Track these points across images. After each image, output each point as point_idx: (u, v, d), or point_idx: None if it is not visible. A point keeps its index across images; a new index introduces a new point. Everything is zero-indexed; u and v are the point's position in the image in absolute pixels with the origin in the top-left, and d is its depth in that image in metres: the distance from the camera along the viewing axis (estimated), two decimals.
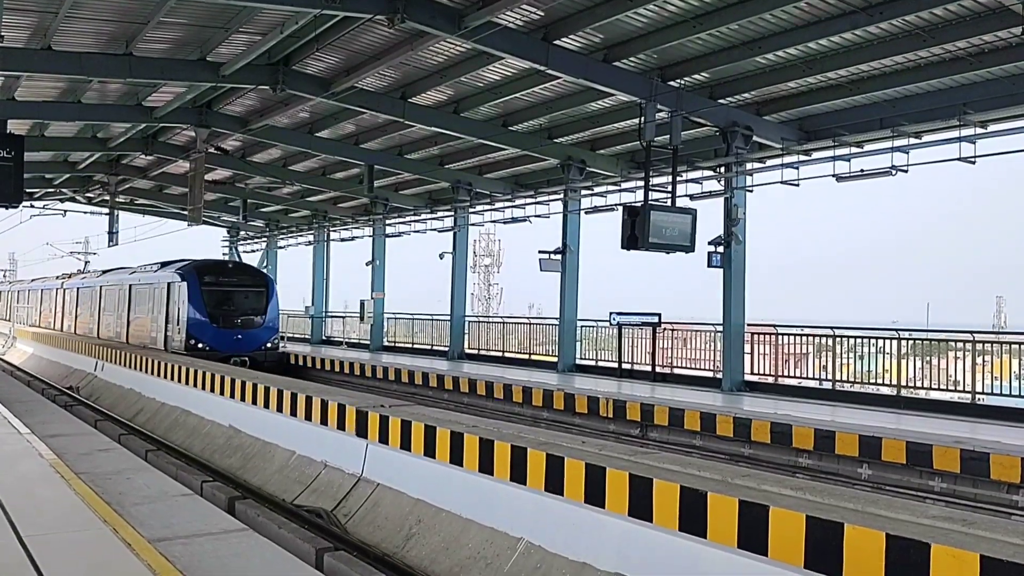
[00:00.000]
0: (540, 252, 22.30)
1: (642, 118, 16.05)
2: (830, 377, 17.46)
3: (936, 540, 5.34)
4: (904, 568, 5.40)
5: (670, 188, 17.01)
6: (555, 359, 22.50)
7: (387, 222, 30.19)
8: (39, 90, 19.58)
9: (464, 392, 19.33)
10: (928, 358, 16.73)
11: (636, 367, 21.12)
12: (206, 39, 16.10)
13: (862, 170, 16.17)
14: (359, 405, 11.60)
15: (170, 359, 19.83)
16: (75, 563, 5.28)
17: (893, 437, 11.25)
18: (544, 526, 7.97)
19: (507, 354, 25.41)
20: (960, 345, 15.84)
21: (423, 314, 30.88)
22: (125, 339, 28.62)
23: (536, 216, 24.46)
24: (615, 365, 21.38)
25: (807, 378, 18.27)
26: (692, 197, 18.59)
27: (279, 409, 13.52)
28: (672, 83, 16.19)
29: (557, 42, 14.74)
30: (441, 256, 27.06)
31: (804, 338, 18.86)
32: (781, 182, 17.65)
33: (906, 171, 15.63)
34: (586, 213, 22.40)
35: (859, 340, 17.85)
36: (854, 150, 16.46)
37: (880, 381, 17.29)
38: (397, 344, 30.62)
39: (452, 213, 26.82)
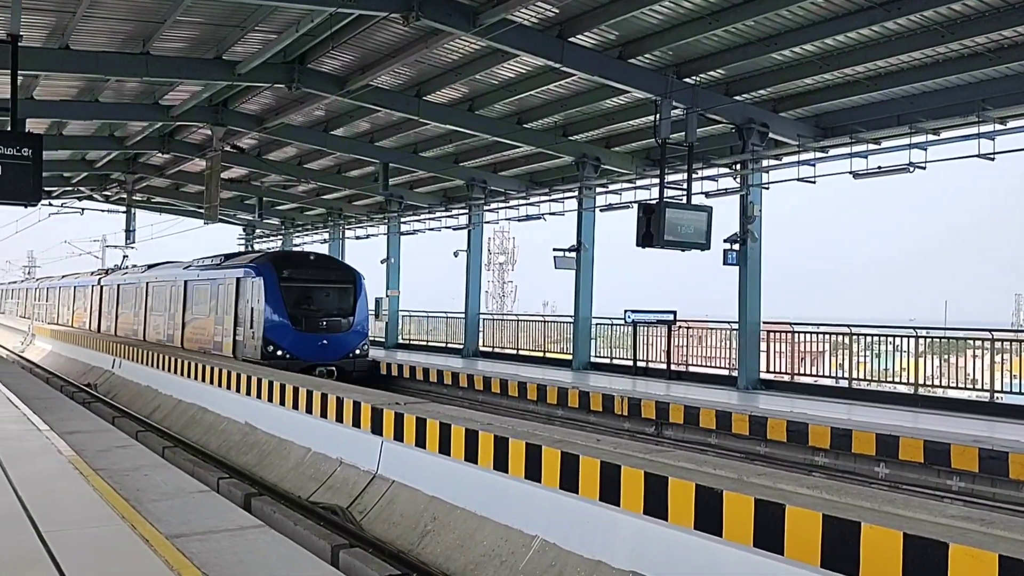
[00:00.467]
0: (555, 250, 22.29)
1: (657, 115, 15.98)
2: (847, 375, 17.35)
3: (954, 540, 5.30)
4: (922, 568, 5.37)
5: (685, 185, 16.93)
6: (570, 357, 22.48)
7: (402, 220, 30.22)
8: (57, 89, 19.73)
9: (479, 390, 19.34)
10: (946, 356, 16.60)
11: (651, 365, 21.07)
12: (222, 38, 16.18)
13: (879, 167, 16.05)
14: (374, 402, 11.64)
15: (184, 356, 19.94)
16: (93, 559, 5.32)
17: (911, 436, 11.18)
18: (559, 524, 7.97)
19: (521, 352, 25.41)
20: (979, 343, 15.71)
21: (438, 312, 30.92)
22: (180, 343, 25.11)
23: (551, 214, 24.44)
24: (630, 363, 21.34)
25: (823, 376, 18.17)
26: (708, 194, 18.52)
27: (295, 406, 13.58)
28: (688, 80, 16.12)
29: (572, 39, 14.70)
30: (456, 254, 27.07)
31: (820, 336, 18.77)
32: (797, 179, 17.55)
33: (924, 168, 15.51)
34: (601, 211, 22.35)
35: (876, 338, 17.74)
36: (871, 147, 16.33)
37: (897, 379, 17.18)
38: (411, 342, 30.67)
39: (467, 211, 26.82)
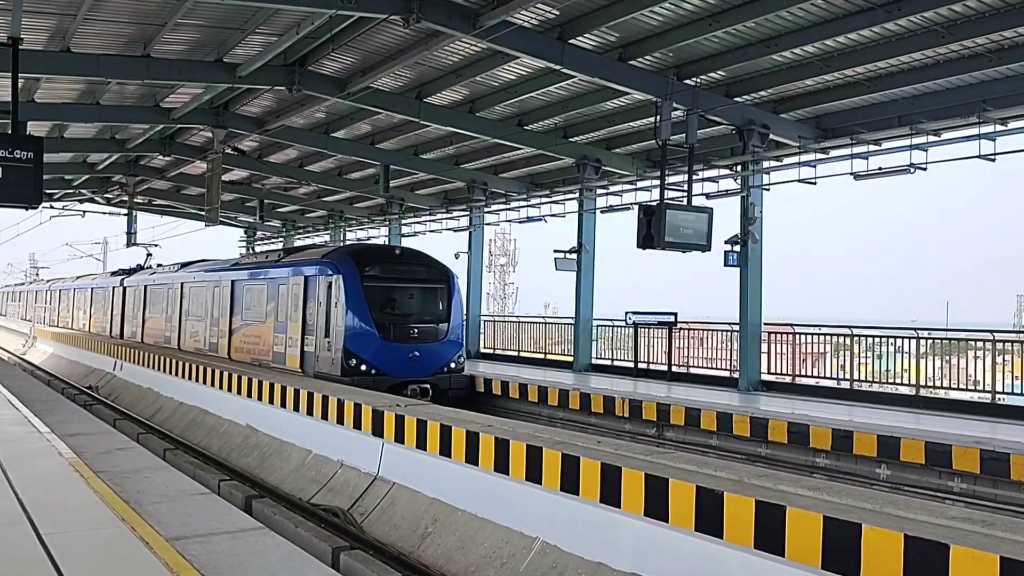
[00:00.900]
0: (555, 251, 22.29)
1: (658, 117, 15.98)
2: (848, 377, 17.34)
3: (955, 541, 5.29)
4: (923, 569, 5.36)
5: (686, 187, 16.93)
6: (571, 358, 22.47)
7: (403, 222, 30.23)
8: (58, 92, 19.75)
9: (480, 392, 19.33)
10: (947, 357, 16.59)
11: (652, 366, 21.05)
12: (223, 40, 16.19)
13: (880, 168, 16.05)
14: (375, 404, 11.63)
15: (185, 358, 19.92)
16: (93, 561, 5.32)
17: (912, 437, 11.16)
18: (560, 526, 7.96)
19: (523, 353, 25.39)
20: (980, 344, 15.70)
21: None
22: (226, 354, 21.36)
23: (551, 215, 24.44)
24: (631, 364, 21.33)
25: (825, 377, 18.15)
26: (708, 196, 18.52)
27: (296, 408, 13.58)
28: (688, 81, 16.12)
29: (572, 41, 14.71)
30: (457, 256, 27.06)
31: (821, 337, 18.75)
32: (798, 180, 17.56)
33: (925, 169, 15.50)
34: (601, 212, 22.35)
35: (877, 339, 17.72)
36: (872, 148, 16.32)
37: (899, 381, 17.16)
38: None
39: (467, 213, 26.83)
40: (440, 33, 14.34)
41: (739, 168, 18.03)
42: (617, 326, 22.48)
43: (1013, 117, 14.56)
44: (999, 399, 14.85)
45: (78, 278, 41.54)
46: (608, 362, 22.63)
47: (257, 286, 20.51)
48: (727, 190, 18.43)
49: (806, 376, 18.34)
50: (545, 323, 26.57)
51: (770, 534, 6.27)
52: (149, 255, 34.27)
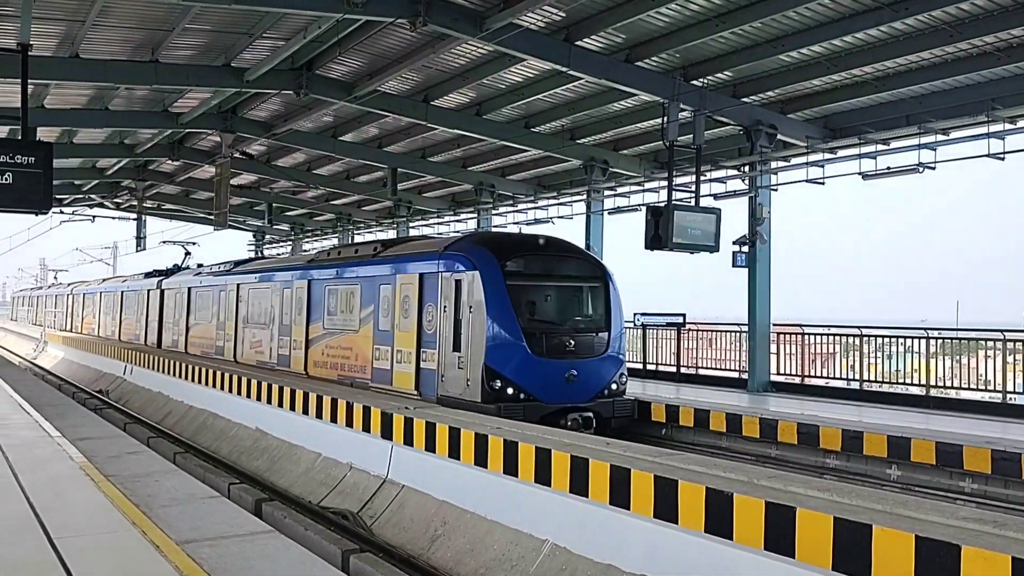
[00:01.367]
0: None
1: (665, 118, 15.98)
2: (857, 377, 17.27)
3: (967, 542, 5.27)
4: (934, 571, 5.33)
5: (694, 188, 16.92)
6: None
7: (411, 224, 30.29)
8: (67, 98, 19.87)
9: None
10: (958, 357, 16.51)
11: (661, 367, 21.02)
12: (230, 45, 16.25)
13: (888, 168, 16.00)
14: (384, 407, 11.65)
15: (194, 360, 19.98)
16: (104, 564, 5.34)
17: (922, 437, 11.11)
18: (569, 528, 7.95)
19: None
20: (990, 344, 15.62)
21: None
22: (303, 368, 17.67)
23: (559, 217, 24.43)
24: (640, 365, 21.29)
25: (834, 378, 18.09)
26: (716, 196, 18.49)
27: (305, 412, 13.60)
28: (695, 82, 16.11)
29: (579, 43, 14.72)
30: None
31: (831, 338, 18.68)
32: (806, 180, 17.52)
33: (933, 168, 15.45)
34: (609, 214, 22.33)
35: (887, 340, 17.65)
36: (880, 147, 16.27)
37: (909, 381, 17.09)
38: None
39: (475, 215, 26.86)
40: (447, 36, 14.37)
41: (747, 169, 18.00)
42: (625, 327, 22.41)
43: (1022, 116, 14.50)
44: (1010, 399, 14.77)
45: (104, 280, 37.39)
46: None
47: (347, 287, 16.50)
48: (735, 191, 18.40)
49: (815, 376, 18.28)
50: None
51: (780, 535, 6.25)
52: (188, 254, 30.24)
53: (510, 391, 12.63)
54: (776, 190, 18.14)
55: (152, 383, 21.89)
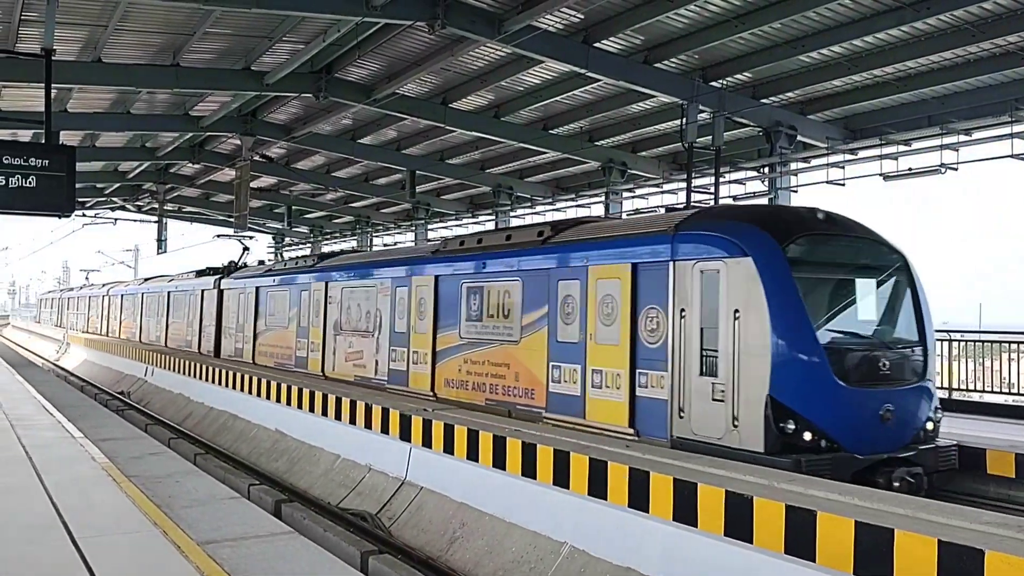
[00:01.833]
0: None
1: (684, 119, 15.93)
2: None
3: (990, 547, 5.21)
4: (957, 575, 5.28)
5: (713, 189, 16.85)
6: None
7: (429, 227, 30.37)
8: (90, 102, 20.08)
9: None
10: (981, 360, 16.32)
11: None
12: (250, 49, 16.37)
13: (910, 168, 15.89)
14: (402, 409, 11.67)
15: (215, 362, 20.06)
16: (126, 564, 5.39)
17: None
18: (587, 530, 7.93)
19: None
20: (1014, 346, 15.44)
21: None
22: (429, 387, 13.71)
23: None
24: None
25: None
26: (735, 198, 18.42)
27: (324, 413, 13.66)
28: (714, 83, 16.05)
29: (597, 45, 14.71)
30: None
31: None
32: (827, 182, 17.42)
33: (956, 169, 15.32)
34: (627, 216, 22.29)
35: None
36: (901, 148, 16.17)
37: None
38: None
39: (493, 217, 26.88)
40: (465, 39, 14.41)
41: (766, 170, 17.91)
42: None
43: None
44: None
45: (145, 280, 33.28)
46: None
47: (500, 284, 12.44)
48: (754, 192, 18.32)
49: None
50: None
51: (801, 539, 6.20)
52: (246, 249, 26.76)
53: (808, 436, 8.49)
54: (796, 192, 18.05)
55: (173, 384, 22.05)
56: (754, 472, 7.46)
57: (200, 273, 25.92)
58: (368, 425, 12.28)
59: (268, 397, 15.94)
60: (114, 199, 34.68)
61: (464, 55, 15.74)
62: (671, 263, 9.74)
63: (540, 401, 11.36)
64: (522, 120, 19.91)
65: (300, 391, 14.62)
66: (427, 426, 10.90)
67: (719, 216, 10.54)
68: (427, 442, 10.84)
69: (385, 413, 11.90)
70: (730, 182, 18.55)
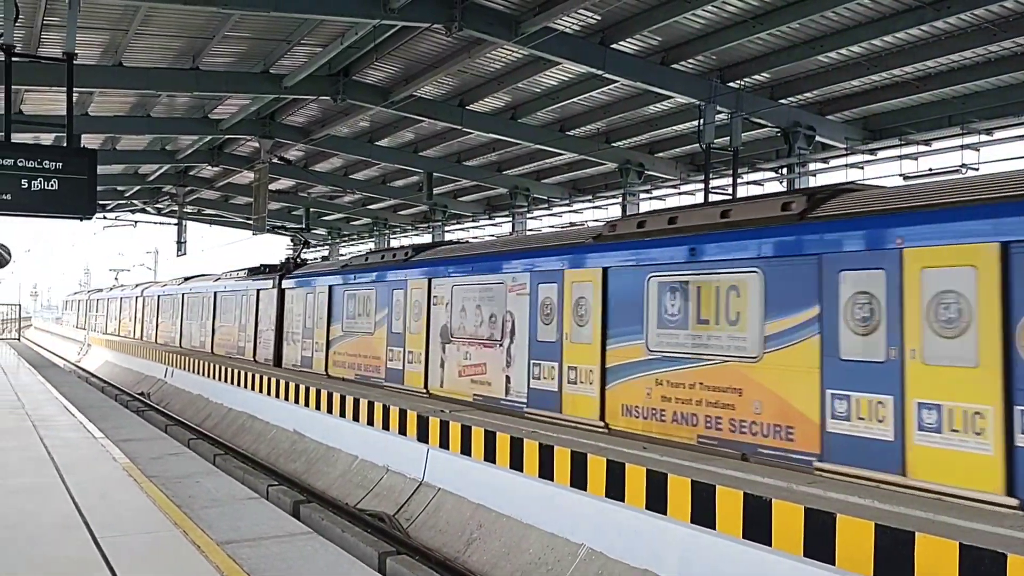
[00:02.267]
0: None
1: (701, 120, 15.89)
2: None
3: (1013, 550, 5.16)
4: None
5: (731, 190, 16.78)
6: None
7: (446, 229, 30.44)
8: (111, 105, 20.25)
9: None
10: None
11: None
12: (269, 52, 16.47)
13: (930, 169, 15.77)
14: (420, 410, 11.70)
15: (233, 365, 20.19)
16: (147, 564, 5.43)
17: None
18: (605, 532, 7.92)
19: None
20: None
21: None
22: (597, 415, 10.55)
23: (595, 221, 24.40)
24: None
25: None
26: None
27: (342, 414, 13.72)
28: (732, 84, 15.98)
29: (614, 46, 14.68)
30: None
31: None
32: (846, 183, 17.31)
33: (977, 169, 15.18)
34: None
35: None
36: (922, 148, 16.06)
37: None
38: None
39: (510, 219, 26.90)
40: (482, 40, 14.42)
41: (785, 171, 17.82)
42: None
43: None
44: None
45: (185, 280, 29.97)
46: None
47: (725, 277, 9.13)
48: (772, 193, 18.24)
49: None
50: None
51: (820, 542, 6.17)
52: (304, 243, 25.03)
53: None
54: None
55: (192, 385, 22.21)
56: (772, 475, 7.43)
57: (253, 271, 23.11)
58: (386, 426, 12.32)
59: (286, 398, 16.03)
60: (134, 202, 34.97)
61: (481, 57, 15.76)
62: None
63: (808, 444, 7.98)
64: (539, 122, 19.91)
65: (318, 392, 14.69)
66: (444, 427, 10.92)
67: None
68: (444, 444, 10.87)
69: (403, 414, 11.94)
70: (748, 183, 18.48)
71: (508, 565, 8.54)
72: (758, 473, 7.43)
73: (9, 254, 28.85)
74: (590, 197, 24.35)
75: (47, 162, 11.13)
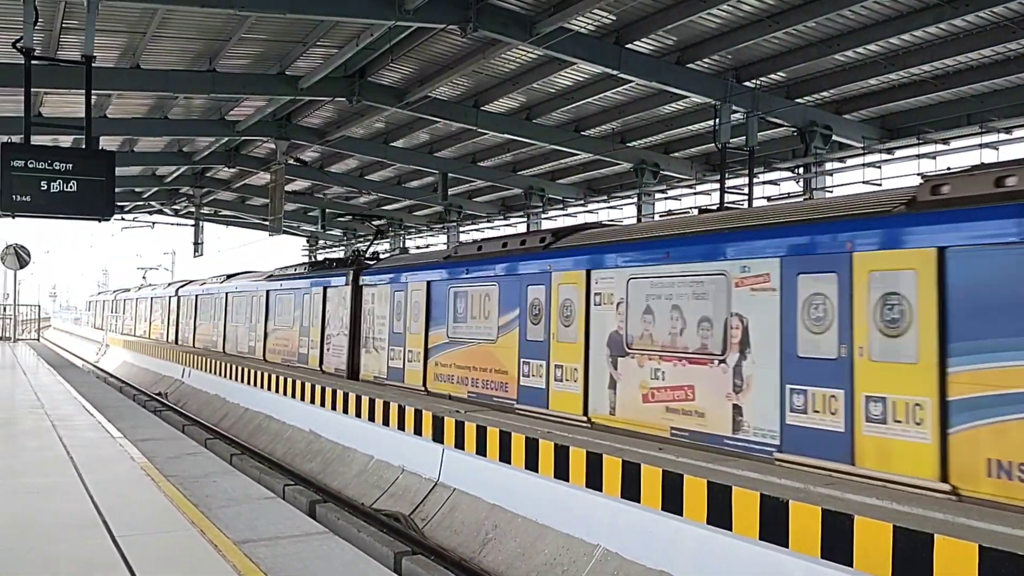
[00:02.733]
0: None
1: (717, 120, 15.83)
2: None
3: None
4: None
5: (747, 190, 16.72)
6: None
7: (461, 229, 30.48)
8: (129, 107, 20.41)
9: None
10: None
11: None
12: (285, 53, 16.55)
13: (948, 168, 15.61)
14: (435, 410, 11.71)
15: (250, 365, 20.31)
16: (164, 563, 5.46)
17: None
18: (620, 533, 7.91)
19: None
20: None
21: None
22: (931, 469, 6.82)
23: (610, 221, 24.36)
24: None
25: None
26: (769, 199, 18.24)
27: (357, 415, 13.75)
28: (747, 83, 15.92)
29: (629, 46, 14.66)
30: None
31: None
32: (863, 182, 17.21)
33: None
34: (660, 217, 22.17)
35: None
36: (940, 147, 15.93)
37: None
38: None
39: (525, 219, 26.91)
40: (497, 41, 14.44)
41: (801, 170, 17.73)
42: None
43: None
44: None
45: (228, 278, 26.64)
46: None
47: None
48: (788, 193, 18.14)
49: None
50: None
51: (837, 544, 6.13)
52: (380, 233, 21.55)
53: None
54: (831, 192, 17.84)
55: (209, 386, 22.33)
56: (789, 476, 7.39)
57: (316, 266, 20.61)
58: (401, 427, 12.34)
59: (302, 399, 16.08)
60: (152, 203, 35.23)
61: (496, 57, 15.78)
62: None
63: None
64: (554, 122, 19.91)
65: (334, 393, 14.73)
66: (460, 428, 10.93)
67: None
68: (460, 444, 10.87)
69: (418, 415, 11.95)
70: (764, 183, 18.40)
71: (523, 566, 8.53)
72: (776, 475, 7.39)
73: (28, 255, 29.23)
74: (605, 197, 24.31)
75: (66, 164, 11.21)
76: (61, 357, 28.97)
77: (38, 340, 39.02)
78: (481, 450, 10.41)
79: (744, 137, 16.26)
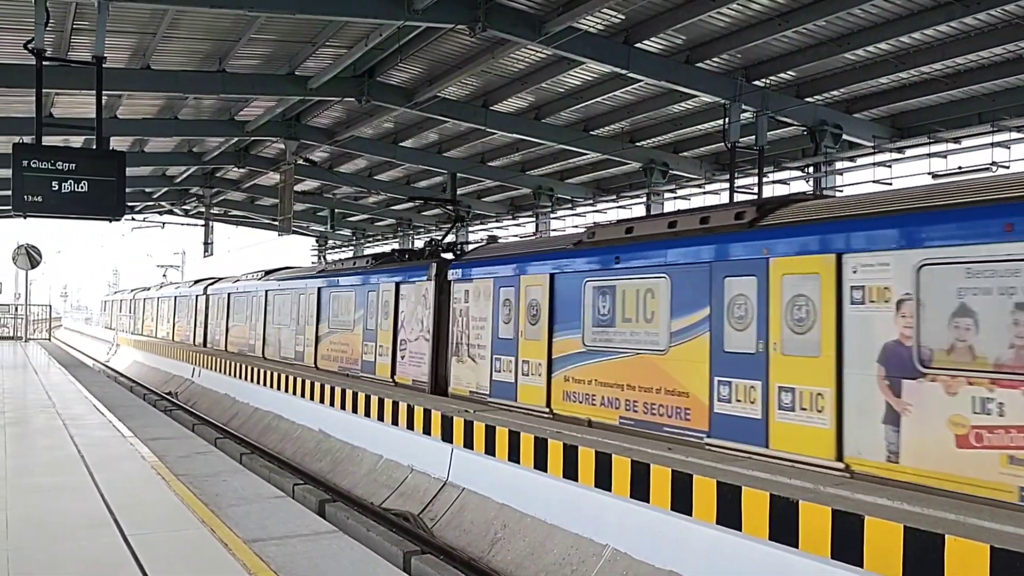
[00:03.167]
0: None
1: (726, 119, 15.80)
2: None
3: None
4: None
5: (756, 189, 16.67)
6: None
7: (470, 229, 30.49)
8: (139, 108, 20.50)
9: None
10: None
11: None
12: (294, 54, 16.59)
13: (960, 167, 15.57)
14: (444, 410, 11.72)
15: (260, 365, 20.37)
16: (176, 561, 5.48)
17: None
18: (630, 533, 7.90)
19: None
20: None
21: None
22: None
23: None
24: None
25: None
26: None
27: (367, 414, 13.77)
28: (757, 83, 15.88)
29: (638, 45, 14.64)
30: None
31: None
32: (873, 181, 17.16)
33: (1008, 167, 14.98)
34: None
35: None
36: (951, 146, 15.85)
37: None
38: None
39: (534, 219, 26.91)
40: (506, 41, 14.44)
41: (811, 170, 17.68)
42: None
43: None
44: None
45: (268, 274, 23.79)
46: None
47: None
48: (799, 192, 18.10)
49: None
50: None
51: (848, 544, 6.11)
52: (458, 222, 19.71)
53: None
54: (841, 192, 17.78)
55: (219, 385, 22.39)
56: (800, 477, 7.37)
57: (381, 258, 17.69)
58: (411, 426, 12.35)
59: (312, 398, 16.12)
60: (162, 203, 35.38)
61: (505, 57, 15.78)
62: None
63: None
64: (563, 121, 19.90)
65: (344, 392, 14.76)
66: (469, 427, 10.93)
67: None
68: (469, 443, 10.88)
69: (427, 414, 11.97)
70: (774, 182, 18.35)
71: (532, 565, 8.53)
72: (786, 475, 7.37)
73: (40, 255, 29.37)
74: (614, 197, 24.28)
75: (77, 164, 11.28)
76: (72, 356, 29.10)
77: (49, 340, 39.21)
78: (490, 450, 10.42)
79: (754, 136, 16.21)
